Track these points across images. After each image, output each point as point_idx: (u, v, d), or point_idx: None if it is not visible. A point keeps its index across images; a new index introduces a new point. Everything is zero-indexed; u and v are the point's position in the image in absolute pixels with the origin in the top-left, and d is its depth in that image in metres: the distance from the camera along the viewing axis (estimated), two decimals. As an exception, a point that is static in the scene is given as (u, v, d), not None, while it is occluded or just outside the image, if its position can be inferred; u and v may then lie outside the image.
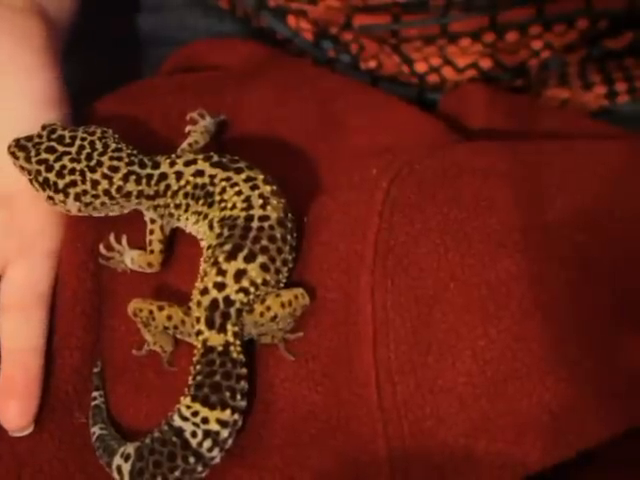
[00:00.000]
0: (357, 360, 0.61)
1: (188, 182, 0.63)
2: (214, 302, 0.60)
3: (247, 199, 0.62)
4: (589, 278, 0.63)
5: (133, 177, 0.63)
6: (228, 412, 0.58)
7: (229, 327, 0.59)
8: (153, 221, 0.64)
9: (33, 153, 0.63)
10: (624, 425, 0.58)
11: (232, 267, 0.60)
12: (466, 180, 0.65)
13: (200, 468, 0.58)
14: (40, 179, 0.63)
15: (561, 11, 0.76)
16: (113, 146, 0.64)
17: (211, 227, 0.63)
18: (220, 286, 0.60)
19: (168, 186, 0.63)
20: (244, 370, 0.59)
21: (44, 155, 0.63)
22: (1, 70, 0.66)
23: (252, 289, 0.60)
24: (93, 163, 0.63)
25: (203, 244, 0.64)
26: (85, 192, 0.62)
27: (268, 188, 0.63)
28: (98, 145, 0.63)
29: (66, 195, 0.62)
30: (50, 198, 0.63)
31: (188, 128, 0.70)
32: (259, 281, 0.60)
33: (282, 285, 0.62)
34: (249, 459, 0.59)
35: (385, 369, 0.60)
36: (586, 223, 0.65)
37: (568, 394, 0.58)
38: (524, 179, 0.66)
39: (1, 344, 0.62)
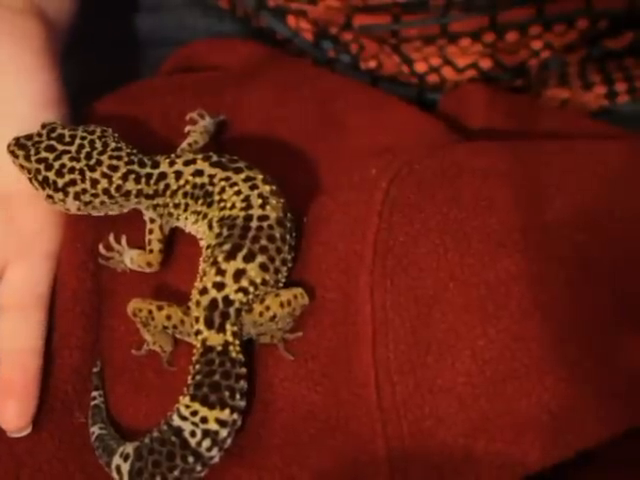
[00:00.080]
0: (356, 360, 0.61)
1: (187, 182, 0.63)
2: (213, 302, 0.60)
3: (246, 199, 0.62)
4: (589, 278, 0.63)
5: (132, 176, 0.63)
6: (227, 412, 0.58)
7: (228, 327, 0.59)
8: (152, 220, 0.64)
9: (33, 152, 0.63)
10: (624, 425, 0.58)
11: (231, 267, 0.60)
12: (466, 180, 0.65)
13: (199, 468, 0.58)
14: (39, 178, 0.63)
15: (561, 11, 0.76)
16: (113, 145, 0.64)
17: (210, 227, 0.63)
18: (219, 286, 0.60)
19: (167, 185, 0.64)
20: (243, 370, 0.59)
21: (44, 154, 0.63)
22: (1, 71, 0.66)
23: (251, 289, 0.60)
24: (92, 162, 0.63)
25: (202, 244, 0.64)
26: (84, 191, 0.62)
27: (267, 188, 0.63)
28: (98, 144, 0.63)
29: (65, 194, 0.62)
30: (49, 197, 0.63)
31: (188, 128, 0.70)
32: (258, 281, 0.60)
33: (281, 285, 0.62)
34: (248, 459, 0.59)
35: (384, 369, 0.60)
36: (586, 223, 0.65)
37: (567, 394, 0.58)
38: (524, 179, 0.66)
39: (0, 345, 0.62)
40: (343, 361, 0.61)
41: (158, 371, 0.62)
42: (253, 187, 0.63)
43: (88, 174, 0.62)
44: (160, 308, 0.60)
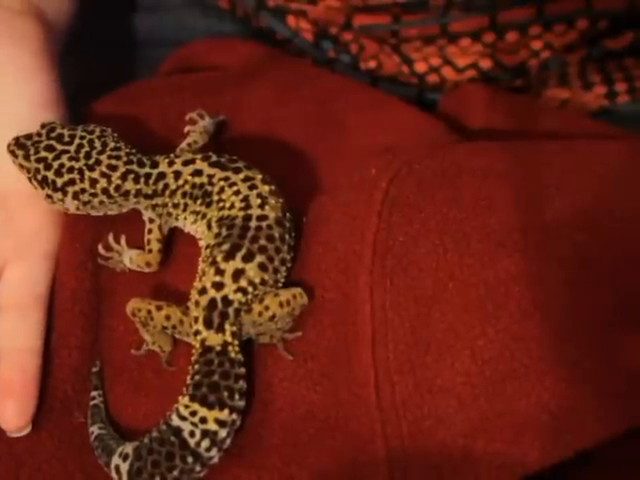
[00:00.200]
0: (356, 360, 0.61)
1: (186, 181, 0.63)
2: (212, 302, 0.60)
3: (245, 199, 0.62)
4: (589, 278, 0.63)
5: (131, 176, 0.63)
6: (226, 412, 0.58)
7: (227, 327, 0.59)
8: (151, 220, 0.64)
9: (32, 151, 0.63)
10: (624, 425, 0.58)
11: (230, 267, 0.60)
12: (465, 180, 0.65)
13: (198, 468, 0.57)
14: (39, 177, 0.63)
15: (561, 11, 0.76)
16: (112, 145, 0.64)
17: (209, 227, 0.63)
18: (218, 286, 0.60)
19: (166, 185, 0.64)
20: (242, 370, 0.59)
21: (43, 153, 0.63)
22: (0, 72, 0.66)
23: (250, 289, 0.60)
24: (92, 162, 0.63)
25: (201, 244, 0.64)
26: (83, 190, 0.62)
27: (266, 188, 0.63)
28: (97, 144, 0.63)
29: (64, 193, 0.62)
30: (49, 196, 0.63)
31: (187, 128, 0.70)
32: (257, 281, 0.60)
33: (280, 285, 0.62)
34: (248, 459, 0.59)
35: (384, 369, 0.60)
36: (586, 223, 0.65)
37: (567, 394, 0.58)
38: (524, 179, 0.66)
39: None
40: (342, 361, 0.61)
41: (157, 371, 0.62)
42: (252, 187, 0.63)
43: (87, 174, 0.62)
44: (159, 308, 0.60)
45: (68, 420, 0.61)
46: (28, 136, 0.64)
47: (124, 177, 0.63)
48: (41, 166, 0.63)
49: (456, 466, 0.58)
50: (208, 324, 0.59)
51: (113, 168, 0.63)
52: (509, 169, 0.67)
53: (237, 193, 0.62)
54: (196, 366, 0.59)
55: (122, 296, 0.63)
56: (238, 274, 0.60)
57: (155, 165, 0.64)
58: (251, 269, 0.60)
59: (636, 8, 0.78)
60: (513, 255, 0.62)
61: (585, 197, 0.66)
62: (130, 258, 0.64)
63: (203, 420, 0.57)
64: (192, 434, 0.57)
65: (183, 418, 0.57)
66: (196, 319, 0.60)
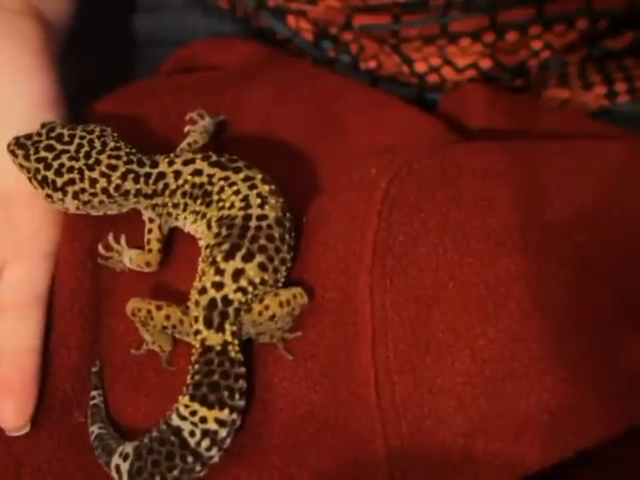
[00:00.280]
0: (356, 360, 0.60)
1: (186, 181, 0.63)
2: (212, 301, 0.60)
3: (245, 198, 0.62)
4: (589, 278, 0.63)
5: (131, 176, 0.63)
6: (226, 411, 0.58)
7: (227, 326, 0.59)
8: (151, 220, 0.64)
9: (32, 151, 0.63)
10: (624, 425, 0.58)
11: (230, 266, 0.60)
12: (465, 180, 0.65)
13: (198, 467, 0.57)
14: (39, 177, 0.63)
15: (561, 11, 0.76)
16: (112, 144, 0.64)
17: (209, 226, 0.63)
18: (218, 285, 0.60)
19: (166, 185, 0.64)
20: (242, 369, 0.59)
21: (43, 153, 0.63)
22: None
23: (250, 288, 0.60)
24: (91, 161, 0.63)
25: (201, 243, 0.64)
26: (83, 190, 0.62)
27: (266, 187, 0.63)
28: (97, 143, 0.63)
29: (64, 193, 0.62)
30: (49, 196, 0.63)
31: (187, 128, 0.70)
32: (257, 280, 0.60)
33: (280, 284, 0.62)
34: (248, 458, 0.59)
35: (384, 369, 0.60)
36: (586, 223, 0.65)
37: (567, 394, 0.58)
38: (524, 179, 0.66)
39: None
40: (342, 361, 0.61)
41: (157, 371, 0.62)
42: (252, 187, 0.63)
43: (87, 173, 0.62)
44: (159, 308, 0.60)
45: (68, 420, 0.61)
46: (28, 136, 0.64)
47: (124, 177, 0.63)
48: (41, 166, 0.63)
49: (456, 466, 0.58)
50: (208, 324, 0.59)
51: (113, 168, 0.63)
52: (509, 169, 0.67)
53: (237, 193, 0.62)
54: (196, 366, 0.59)
55: (122, 296, 0.63)
56: (238, 274, 0.60)
57: (155, 165, 0.64)
58: (251, 269, 0.60)
59: (636, 8, 0.78)
60: (513, 255, 0.62)
61: (585, 197, 0.66)
62: (130, 258, 0.64)
63: (203, 420, 0.57)
64: (192, 434, 0.57)
65: (183, 418, 0.57)
66: (196, 319, 0.60)
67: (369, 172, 0.67)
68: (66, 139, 0.63)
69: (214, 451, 0.57)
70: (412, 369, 0.60)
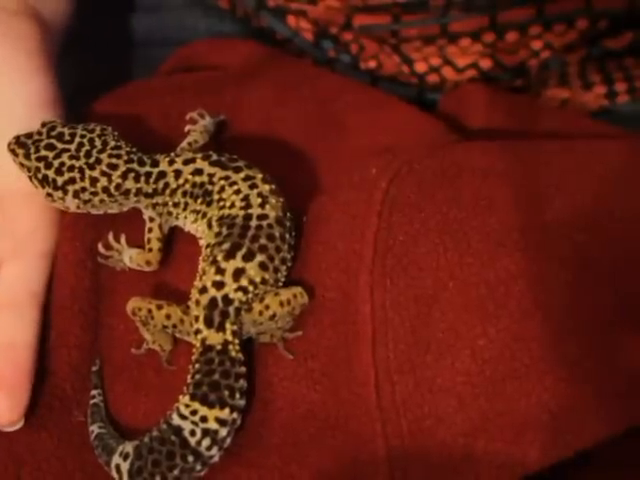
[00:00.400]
0: (356, 359, 0.61)
1: (187, 180, 0.63)
2: (213, 301, 0.60)
3: (245, 198, 0.62)
4: (589, 278, 0.63)
5: (132, 175, 0.63)
6: (227, 411, 0.58)
7: (228, 326, 0.59)
8: (152, 219, 0.64)
9: (32, 150, 0.63)
10: (624, 425, 0.58)
11: (231, 266, 0.60)
12: (465, 180, 0.65)
13: (199, 467, 0.57)
14: (39, 176, 0.63)
15: (561, 11, 0.76)
16: (112, 144, 0.64)
17: (210, 226, 0.63)
18: (219, 285, 0.60)
19: (167, 184, 0.64)
20: (243, 369, 0.59)
21: (43, 152, 0.63)
22: None
23: (251, 288, 0.60)
24: (92, 160, 0.63)
25: (202, 243, 0.64)
26: (84, 189, 0.62)
27: (267, 187, 0.63)
28: (97, 142, 0.63)
29: (65, 192, 0.62)
30: (49, 195, 0.63)
31: (188, 127, 0.70)
32: (258, 280, 0.60)
33: (281, 284, 0.62)
34: (248, 458, 0.59)
35: (384, 368, 0.60)
36: (586, 223, 0.65)
37: (567, 394, 0.58)
38: (524, 179, 0.66)
39: None
40: (343, 360, 0.61)
41: (157, 370, 0.62)
42: (252, 186, 0.63)
43: (87, 172, 0.62)
44: (159, 307, 0.60)
45: (68, 419, 0.61)
46: (29, 135, 0.64)
47: (124, 176, 0.63)
48: (42, 165, 0.62)
49: (456, 466, 0.58)
50: (209, 323, 0.59)
51: (114, 167, 0.63)
52: (509, 169, 0.67)
53: (237, 192, 0.62)
54: (197, 365, 0.59)
55: (122, 295, 0.63)
56: (239, 273, 0.60)
57: (155, 164, 0.64)
58: (252, 268, 0.60)
59: (636, 8, 0.78)
60: (513, 254, 0.62)
61: (585, 197, 0.67)
62: (130, 257, 0.64)
63: (204, 419, 0.57)
64: (193, 433, 0.57)
65: (184, 417, 0.57)
66: (197, 318, 0.60)
67: (369, 172, 0.67)
68: (67, 138, 0.63)
69: (214, 450, 0.57)
70: (412, 369, 0.60)
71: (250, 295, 0.60)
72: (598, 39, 0.81)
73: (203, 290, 0.60)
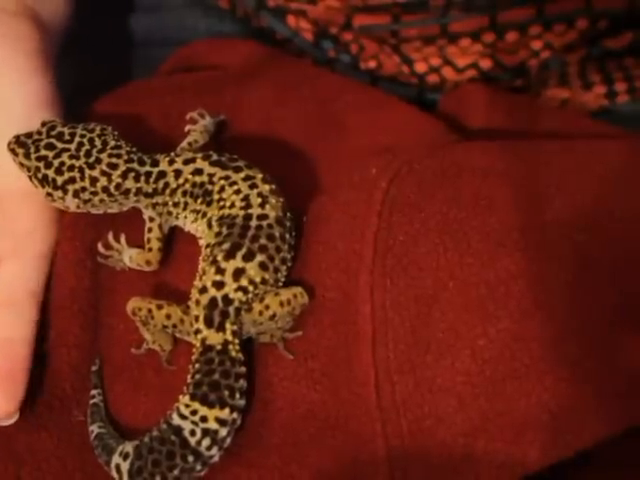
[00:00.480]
0: (356, 359, 0.61)
1: (187, 180, 0.63)
2: (213, 301, 0.60)
3: (246, 198, 0.62)
4: (589, 278, 0.63)
5: (132, 174, 0.63)
6: (227, 411, 0.58)
7: (228, 326, 0.59)
8: (152, 219, 0.64)
9: (32, 150, 0.63)
10: (624, 425, 0.58)
11: (231, 266, 0.60)
12: (465, 179, 0.66)
13: (199, 467, 0.57)
14: (39, 176, 0.63)
15: (561, 11, 0.76)
16: (112, 143, 0.64)
17: (210, 226, 0.63)
18: (219, 285, 0.60)
19: (167, 184, 0.64)
20: (243, 369, 0.59)
21: (43, 152, 0.63)
22: None
23: (251, 288, 0.60)
24: (92, 160, 0.63)
25: (202, 243, 0.64)
26: (84, 189, 0.62)
27: (267, 187, 0.63)
28: (97, 142, 0.63)
29: (65, 192, 0.62)
30: (49, 195, 0.63)
31: (188, 127, 0.70)
32: (258, 280, 0.60)
33: (281, 284, 0.62)
34: (248, 458, 0.59)
35: (384, 368, 0.60)
36: (586, 223, 0.65)
37: (567, 394, 0.58)
38: (524, 179, 0.66)
39: None
40: (343, 360, 0.61)
41: (157, 370, 0.62)
42: (252, 186, 0.63)
43: (87, 172, 0.62)
44: (160, 307, 0.60)
45: (67, 419, 0.61)
46: (28, 134, 0.64)
47: (124, 175, 0.63)
48: (41, 164, 0.62)
49: (456, 465, 0.58)
50: (209, 323, 0.59)
51: (113, 166, 0.63)
52: (509, 169, 0.67)
53: (238, 192, 0.62)
54: (197, 365, 0.59)
55: (122, 295, 0.63)
56: (239, 273, 0.60)
57: (155, 164, 0.64)
58: (252, 268, 0.60)
59: (636, 8, 0.78)
60: (513, 254, 0.62)
61: (585, 197, 0.67)
62: (130, 257, 0.64)
63: (204, 419, 0.57)
64: (193, 433, 0.57)
65: (184, 417, 0.57)
66: (197, 318, 0.60)
67: (369, 172, 0.67)
68: (67, 138, 0.63)
69: (214, 450, 0.57)
70: (412, 369, 0.60)
71: (250, 295, 0.60)
72: (598, 39, 0.81)
73: (203, 290, 0.60)
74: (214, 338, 0.59)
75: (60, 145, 0.63)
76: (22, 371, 0.60)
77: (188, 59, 0.81)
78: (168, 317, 0.60)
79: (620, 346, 0.61)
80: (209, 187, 0.63)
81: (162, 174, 0.64)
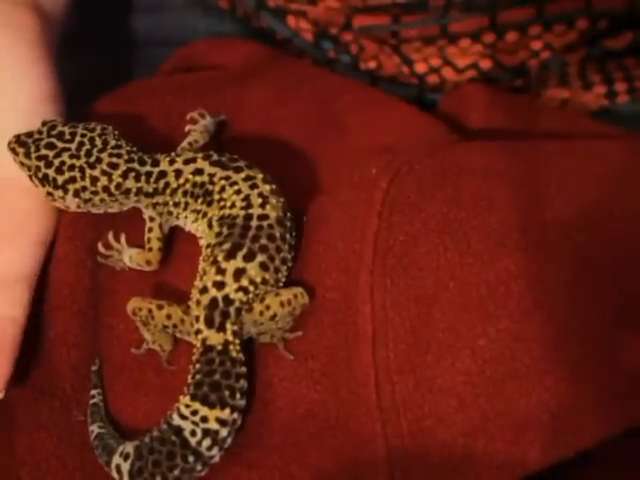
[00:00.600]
0: (356, 359, 0.61)
1: (187, 180, 0.63)
2: (213, 301, 0.60)
3: (246, 198, 0.62)
4: (589, 278, 0.63)
5: (132, 174, 0.63)
6: (227, 411, 0.58)
7: (228, 326, 0.59)
8: (152, 219, 0.64)
9: (33, 149, 0.63)
10: (624, 425, 0.58)
11: (231, 266, 0.60)
12: (465, 180, 0.66)
13: (199, 467, 0.57)
14: (40, 175, 0.63)
15: (561, 11, 0.76)
16: (113, 143, 0.64)
17: (210, 226, 0.63)
18: (219, 285, 0.60)
19: (167, 184, 0.64)
20: (243, 369, 0.59)
21: (44, 151, 0.63)
22: None
23: (251, 288, 0.60)
24: (92, 159, 0.63)
25: (202, 243, 0.63)
26: (84, 188, 0.62)
27: (267, 187, 0.63)
28: (98, 142, 0.63)
29: (65, 191, 0.62)
30: (49, 194, 0.63)
31: (188, 127, 0.70)
32: (258, 280, 0.60)
33: (281, 284, 0.62)
34: (248, 458, 0.59)
35: (384, 368, 0.60)
36: (586, 223, 0.65)
37: (567, 394, 0.58)
38: (524, 179, 0.66)
39: None
40: (343, 360, 0.61)
41: (158, 370, 0.62)
42: (253, 186, 0.63)
43: (88, 171, 0.62)
44: (160, 307, 0.60)
45: (67, 419, 0.61)
46: (29, 134, 0.64)
47: (125, 175, 0.63)
48: (42, 164, 0.62)
49: (456, 465, 0.58)
50: (209, 323, 0.59)
51: (114, 166, 0.63)
52: (509, 169, 0.67)
53: (238, 192, 0.62)
54: (197, 365, 0.59)
55: (122, 295, 0.63)
56: (239, 273, 0.60)
57: (156, 163, 0.64)
58: (252, 268, 0.60)
59: (636, 8, 0.78)
60: (513, 254, 0.62)
61: (585, 197, 0.67)
62: (130, 256, 0.64)
63: (204, 419, 0.57)
64: (193, 433, 0.57)
65: (184, 417, 0.57)
66: (197, 318, 0.60)
67: (369, 172, 0.67)
68: (67, 137, 0.63)
69: (215, 451, 0.57)
70: (412, 369, 0.60)
71: (251, 295, 0.60)
72: (598, 39, 0.81)
73: (204, 290, 0.60)
74: (215, 338, 0.59)
75: (61, 144, 0.63)
76: (10, 350, 0.60)
77: (188, 59, 0.81)
78: (168, 317, 0.60)
79: (620, 346, 0.61)
80: (210, 187, 0.63)
81: (163, 174, 0.64)
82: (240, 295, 0.60)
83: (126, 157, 0.63)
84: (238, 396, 0.58)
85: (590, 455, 0.58)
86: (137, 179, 0.63)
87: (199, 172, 0.63)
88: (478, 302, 0.60)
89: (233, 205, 0.62)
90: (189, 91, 0.73)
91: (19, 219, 0.64)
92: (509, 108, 0.77)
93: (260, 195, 0.62)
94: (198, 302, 0.60)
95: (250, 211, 0.62)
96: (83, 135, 0.63)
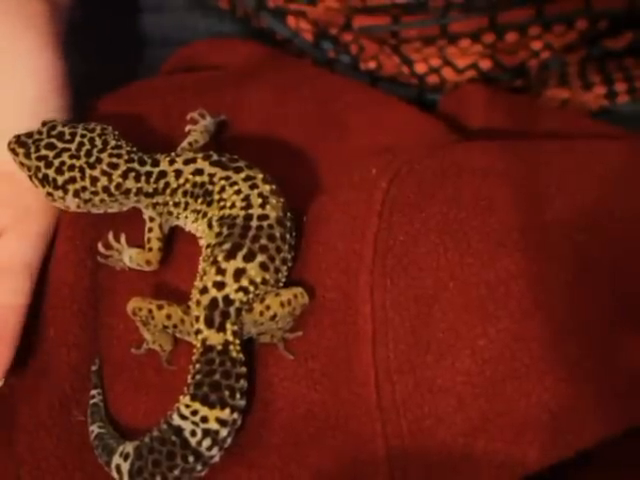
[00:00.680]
0: (356, 359, 0.61)
1: (187, 180, 0.63)
2: (213, 301, 0.60)
3: (246, 198, 0.62)
4: (589, 278, 0.63)
5: (132, 174, 0.63)
6: (227, 411, 0.58)
7: (228, 326, 0.59)
8: (152, 219, 0.64)
9: (33, 149, 0.63)
10: (624, 425, 0.58)
11: (231, 266, 0.60)
12: (465, 180, 0.66)
13: (199, 467, 0.57)
14: (39, 175, 0.63)
15: (561, 11, 0.76)
16: (113, 143, 0.64)
17: (210, 226, 0.63)
18: (219, 285, 0.60)
19: (167, 184, 0.64)
20: (243, 369, 0.59)
21: (44, 151, 0.63)
22: (6, 49, 0.66)
23: (251, 288, 0.60)
24: (92, 160, 0.63)
25: (202, 243, 0.64)
26: (84, 189, 0.62)
27: (267, 187, 0.63)
28: (97, 142, 0.63)
29: (65, 191, 0.62)
30: (49, 194, 0.63)
31: (188, 127, 0.70)
32: (258, 280, 0.60)
33: (281, 284, 0.62)
34: (248, 458, 0.59)
35: (384, 368, 0.60)
36: (586, 223, 0.65)
37: (567, 394, 0.58)
38: (524, 179, 0.66)
39: None
40: (343, 360, 0.61)
41: (158, 370, 0.62)
42: (253, 186, 0.63)
43: (88, 172, 0.62)
44: (160, 307, 0.60)
45: (67, 418, 0.61)
46: (29, 134, 0.64)
47: (125, 175, 0.63)
48: (42, 164, 0.62)
49: (456, 465, 0.58)
50: (209, 323, 0.59)
51: (114, 166, 0.63)
52: (509, 169, 0.67)
53: (238, 192, 0.62)
54: (197, 365, 0.59)
55: (122, 295, 0.63)
56: (239, 273, 0.60)
57: (156, 164, 0.64)
58: (252, 268, 0.60)
59: (636, 8, 0.78)
60: (513, 254, 0.62)
61: (585, 197, 0.67)
62: (130, 256, 0.64)
63: (204, 419, 0.57)
64: (193, 433, 0.57)
65: (184, 417, 0.57)
66: (197, 318, 0.60)
67: (369, 172, 0.67)
68: (67, 137, 0.63)
69: (215, 451, 0.57)
70: (412, 369, 0.60)
71: (251, 295, 0.60)
72: (598, 39, 0.81)
73: (204, 290, 0.60)
74: (215, 338, 0.59)
75: (60, 145, 0.63)
76: (11, 338, 0.60)
77: (189, 59, 0.81)
78: (168, 317, 0.60)
79: (620, 346, 0.61)
80: (209, 187, 0.63)
81: (163, 174, 0.64)
82: (240, 295, 0.60)
83: (126, 157, 0.63)
84: (238, 396, 0.58)
85: (590, 455, 0.58)
86: (137, 179, 0.63)
87: (199, 172, 0.63)
88: (478, 302, 0.60)
89: (233, 205, 0.62)
90: (189, 91, 0.73)
91: (22, 210, 0.64)
92: (509, 108, 0.77)
93: (260, 195, 0.62)
94: (198, 302, 0.60)
95: (250, 211, 0.62)
96: (83, 135, 0.63)
